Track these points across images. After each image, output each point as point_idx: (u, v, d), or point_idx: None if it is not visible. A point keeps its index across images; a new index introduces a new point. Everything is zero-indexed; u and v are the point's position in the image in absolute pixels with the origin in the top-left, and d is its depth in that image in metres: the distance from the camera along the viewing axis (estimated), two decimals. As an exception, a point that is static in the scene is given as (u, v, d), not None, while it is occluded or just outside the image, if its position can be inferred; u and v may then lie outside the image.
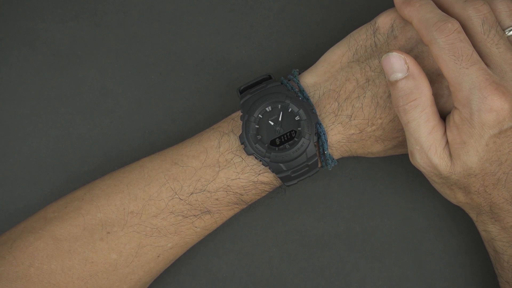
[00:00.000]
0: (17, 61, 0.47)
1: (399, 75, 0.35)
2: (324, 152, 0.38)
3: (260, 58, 0.47)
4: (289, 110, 0.38)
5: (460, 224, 0.45)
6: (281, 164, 0.37)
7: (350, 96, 0.38)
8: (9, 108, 0.46)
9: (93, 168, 0.46)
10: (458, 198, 0.38)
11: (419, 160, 0.36)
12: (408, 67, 0.35)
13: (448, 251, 0.45)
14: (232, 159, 0.38)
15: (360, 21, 0.47)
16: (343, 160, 0.46)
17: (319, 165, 0.40)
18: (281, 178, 0.38)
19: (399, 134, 0.39)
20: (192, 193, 0.38)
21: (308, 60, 0.47)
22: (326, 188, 0.46)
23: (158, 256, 0.39)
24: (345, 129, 0.38)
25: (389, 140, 0.39)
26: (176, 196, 0.38)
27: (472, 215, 0.39)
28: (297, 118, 0.38)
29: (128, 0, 0.47)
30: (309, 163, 0.38)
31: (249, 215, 0.46)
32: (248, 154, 0.37)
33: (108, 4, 0.47)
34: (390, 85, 0.36)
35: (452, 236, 0.45)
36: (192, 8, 0.48)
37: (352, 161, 0.46)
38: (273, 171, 0.38)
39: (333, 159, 0.39)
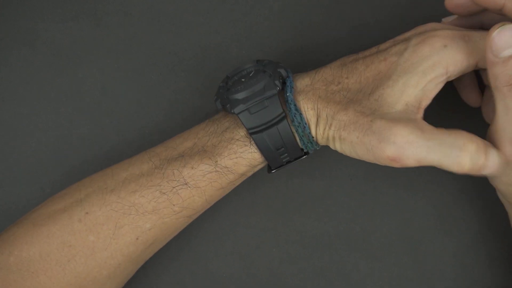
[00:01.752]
0: (17, 61, 0.47)
1: None
2: (287, 95, 0.37)
3: (260, 58, 0.47)
4: (261, 69, 0.39)
5: (460, 224, 0.45)
6: (238, 95, 0.37)
7: (322, 64, 0.39)
8: (9, 108, 0.46)
9: (93, 168, 0.46)
10: None
11: None
12: None
13: (448, 251, 0.45)
14: (210, 129, 0.39)
15: (360, 21, 0.47)
16: (343, 160, 0.46)
17: (288, 120, 0.38)
18: (241, 118, 0.37)
19: (363, 97, 0.36)
20: (169, 160, 0.38)
21: (308, 60, 0.47)
22: (326, 188, 0.46)
23: (137, 239, 0.38)
24: (312, 82, 0.38)
25: (354, 102, 0.37)
26: (154, 167, 0.38)
27: None
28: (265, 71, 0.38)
29: (128, 0, 0.48)
30: (265, 94, 0.37)
31: (249, 215, 0.46)
32: (215, 101, 0.38)
33: (108, 4, 0.47)
34: (501, 62, 0.33)
35: (452, 236, 0.45)
36: (192, 8, 0.48)
37: (352, 161, 0.46)
38: (231, 108, 0.37)
39: (296, 106, 0.37)
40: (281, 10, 0.47)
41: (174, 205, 0.38)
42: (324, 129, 0.37)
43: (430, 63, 0.35)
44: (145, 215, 0.38)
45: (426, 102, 0.35)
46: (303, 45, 0.47)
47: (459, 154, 0.32)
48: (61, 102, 0.47)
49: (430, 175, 0.46)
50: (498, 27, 0.32)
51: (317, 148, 0.39)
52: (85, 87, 0.47)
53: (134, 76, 0.47)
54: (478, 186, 0.45)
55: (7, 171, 0.46)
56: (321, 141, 0.38)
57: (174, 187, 0.38)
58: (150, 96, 0.47)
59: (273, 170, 0.40)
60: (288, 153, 0.38)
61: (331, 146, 0.38)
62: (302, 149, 0.39)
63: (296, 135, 0.38)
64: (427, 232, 0.45)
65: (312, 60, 0.47)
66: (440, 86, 0.36)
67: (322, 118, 0.37)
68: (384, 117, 0.34)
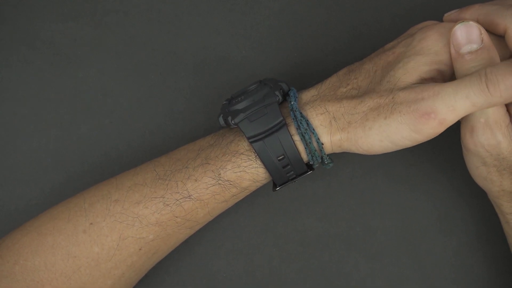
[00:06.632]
0: (17, 61, 0.47)
1: (474, 46, 0.34)
2: (291, 103, 0.37)
3: (260, 58, 0.47)
4: (262, 83, 0.39)
5: (460, 224, 0.45)
6: (239, 105, 0.38)
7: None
8: (9, 108, 0.46)
9: (93, 168, 0.46)
10: (504, 185, 0.36)
11: (480, 136, 0.34)
12: (483, 38, 0.34)
13: (448, 251, 0.45)
14: (214, 142, 0.39)
15: (360, 20, 0.47)
16: (343, 160, 0.46)
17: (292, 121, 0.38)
18: (241, 126, 0.37)
19: (375, 85, 0.37)
20: (173, 172, 0.38)
21: (308, 60, 0.47)
22: (326, 188, 0.46)
23: (140, 249, 0.38)
24: (319, 92, 0.38)
25: (369, 93, 0.36)
26: (158, 178, 0.38)
27: (506, 207, 0.38)
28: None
29: (128, 0, 0.48)
30: (265, 102, 0.37)
31: (249, 215, 0.46)
32: (218, 117, 0.39)
33: (108, 4, 0.47)
34: (460, 57, 0.34)
35: (452, 236, 0.45)
36: (192, 8, 0.48)
37: (352, 161, 0.46)
38: (232, 119, 0.37)
39: (302, 113, 0.37)
40: (281, 10, 0.47)
41: (177, 217, 0.38)
42: (343, 129, 0.36)
43: (441, 44, 0.35)
44: (148, 227, 0.38)
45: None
46: (303, 45, 0.47)
47: (480, 81, 0.32)
48: (61, 102, 0.47)
49: (430, 175, 0.46)
50: (460, 23, 0.34)
51: (324, 162, 0.38)
52: (85, 87, 0.47)
53: (134, 76, 0.47)
54: (478, 186, 0.45)
55: (7, 171, 0.46)
56: (334, 147, 0.37)
57: (177, 200, 0.38)
58: (150, 96, 0.47)
59: (278, 187, 0.39)
60: (291, 165, 0.37)
61: (352, 148, 0.37)
62: (306, 164, 0.39)
63: (300, 145, 0.37)
64: (427, 232, 0.45)
65: (312, 60, 0.47)
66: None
67: (337, 119, 0.37)
68: (403, 89, 0.35)
